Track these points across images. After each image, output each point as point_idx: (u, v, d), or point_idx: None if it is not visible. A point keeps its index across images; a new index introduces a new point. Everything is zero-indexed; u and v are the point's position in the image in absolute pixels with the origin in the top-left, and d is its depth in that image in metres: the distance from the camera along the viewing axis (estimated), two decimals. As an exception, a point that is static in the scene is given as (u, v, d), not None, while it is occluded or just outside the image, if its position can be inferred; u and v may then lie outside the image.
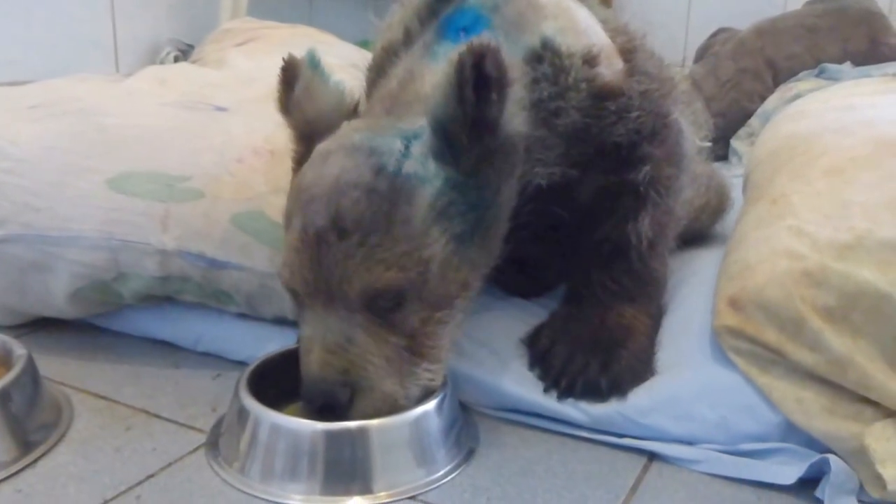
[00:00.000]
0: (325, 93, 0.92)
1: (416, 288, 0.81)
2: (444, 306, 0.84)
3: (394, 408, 0.85)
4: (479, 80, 0.79)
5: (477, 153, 0.83)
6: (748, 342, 0.91)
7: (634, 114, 0.98)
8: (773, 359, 0.90)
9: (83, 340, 1.18)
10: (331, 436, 0.86)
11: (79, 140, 1.14)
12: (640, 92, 0.99)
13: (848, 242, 0.89)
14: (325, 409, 0.83)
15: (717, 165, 1.63)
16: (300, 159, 0.92)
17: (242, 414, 0.90)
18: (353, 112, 0.96)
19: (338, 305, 0.81)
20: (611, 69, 0.98)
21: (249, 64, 1.21)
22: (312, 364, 0.82)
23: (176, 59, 1.73)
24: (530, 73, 0.90)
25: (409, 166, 0.81)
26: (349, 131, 0.87)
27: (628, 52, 1.01)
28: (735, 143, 2.10)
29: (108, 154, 1.12)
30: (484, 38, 0.79)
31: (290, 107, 0.93)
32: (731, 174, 1.68)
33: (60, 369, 1.09)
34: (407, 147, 0.82)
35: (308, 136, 0.91)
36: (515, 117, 0.85)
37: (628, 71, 1.00)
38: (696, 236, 1.30)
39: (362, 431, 0.86)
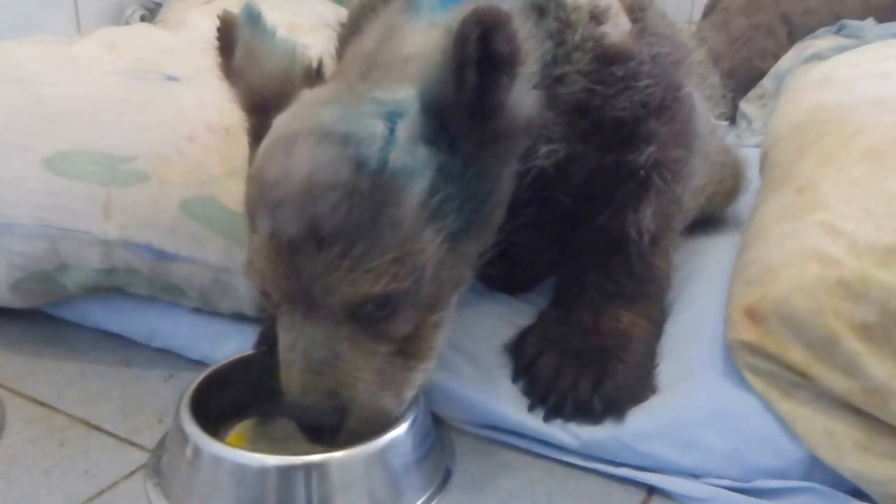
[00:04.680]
0: (270, 54, 0.73)
1: (409, 296, 0.66)
2: (439, 308, 0.69)
3: (388, 422, 0.71)
4: (485, 58, 0.61)
5: (477, 139, 0.65)
6: (768, 361, 0.73)
7: (643, 82, 0.78)
8: (797, 382, 0.72)
9: (31, 332, 1.02)
10: (283, 472, 0.70)
11: (14, 114, 0.97)
12: (650, 56, 0.79)
13: (893, 245, 0.70)
14: (313, 432, 0.69)
15: (725, 129, 1.41)
16: (255, 132, 0.73)
17: (182, 437, 0.73)
18: (315, 76, 0.76)
19: (320, 315, 0.66)
20: (617, 29, 0.78)
21: (210, 26, 1.01)
22: (296, 385, 0.67)
23: (143, 19, 1.53)
24: (532, 31, 0.71)
25: (396, 158, 0.63)
26: (315, 105, 0.67)
27: (637, 10, 0.81)
28: (745, 105, 1.87)
29: (45, 130, 0.95)
30: (493, 3, 0.60)
31: (231, 74, 0.74)
32: (742, 142, 1.46)
33: (2, 366, 0.94)
34: (391, 130, 0.63)
35: (259, 106, 0.73)
36: (525, 97, 0.67)
37: (637, 32, 0.79)
38: (708, 220, 1.10)
39: (320, 467, 0.70)
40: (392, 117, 0.64)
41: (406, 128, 0.64)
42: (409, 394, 0.71)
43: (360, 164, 0.62)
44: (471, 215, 0.67)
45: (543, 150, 0.74)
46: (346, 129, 0.63)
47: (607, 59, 0.77)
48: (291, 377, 0.67)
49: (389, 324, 0.66)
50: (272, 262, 0.65)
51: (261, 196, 0.65)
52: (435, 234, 0.65)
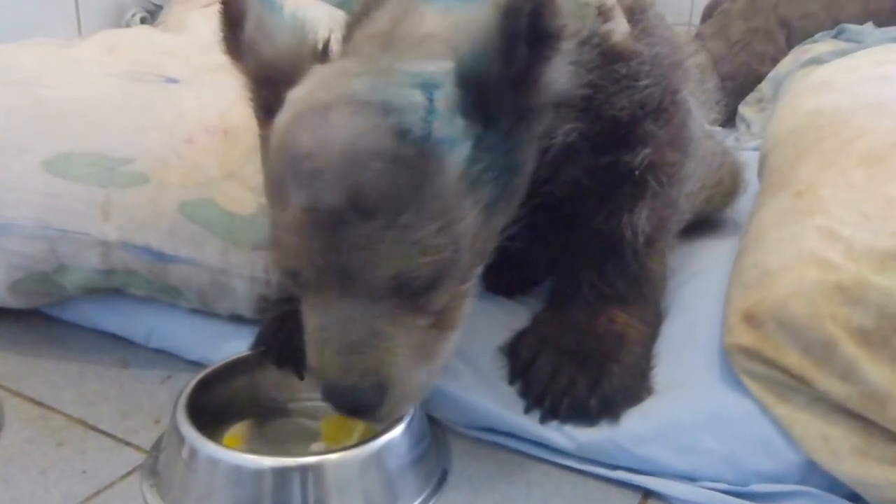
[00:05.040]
0: (281, 28, 0.70)
1: (450, 266, 0.64)
2: (469, 278, 0.68)
3: (424, 395, 0.71)
4: (533, 34, 0.61)
5: (515, 113, 0.65)
6: (765, 365, 0.72)
7: (644, 82, 0.77)
8: (795, 386, 0.71)
9: (30, 331, 1.01)
10: (279, 474, 0.69)
11: (14, 115, 0.96)
12: (650, 56, 0.78)
13: (891, 250, 0.69)
14: (354, 411, 0.67)
15: (722, 133, 1.39)
16: (267, 106, 0.69)
17: (178, 438, 0.73)
18: (323, 54, 0.73)
19: (358, 293, 0.63)
20: (618, 29, 0.77)
21: (210, 28, 1.00)
22: (333, 367, 0.64)
23: (143, 21, 1.52)
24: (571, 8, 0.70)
25: (439, 127, 0.61)
26: (341, 76, 0.64)
27: (638, 12, 0.80)
28: (743, 108, 1.86)
29: (45, 132, 0.94)
30: None
31: (240, 50, 0.70)
32: (741, 145, 1.45)
33: (0, 366, 0.93)
34: (430, 100, 0.61)
35: (270, 79, 0.69)
36: (563, 73, 0.66)
37: (637, 33, 0.79)
38: (706, 222, 1.09)
39: (316, 468, 0.69)
40: (428, 88, 0.62)
41: (443, 98, 0.62)
42: (442, 364, 0.69)
43: (403, 132, 0.60)
44: (504, 187, 0.66)
45: (563, 128, 0.73)
46: (384, 99, 0.61)
47: (611, 56, 0.76)
48: (326, 359, 0.64)
49: (431, 295, 0.65)
50: (307, 236, 0.62)
51: (292, 168, 0.62)
52: (473, 204, 0.63)
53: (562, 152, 0.75)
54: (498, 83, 0.62)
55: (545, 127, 0.71)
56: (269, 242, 0.65)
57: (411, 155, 0.60)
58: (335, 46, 0.76)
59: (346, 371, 0.63)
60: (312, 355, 0.66)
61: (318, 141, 0.60)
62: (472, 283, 0.69)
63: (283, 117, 0.65)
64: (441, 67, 0.63)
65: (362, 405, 0.65)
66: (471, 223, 0.64)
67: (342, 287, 0.62)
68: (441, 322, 0.67)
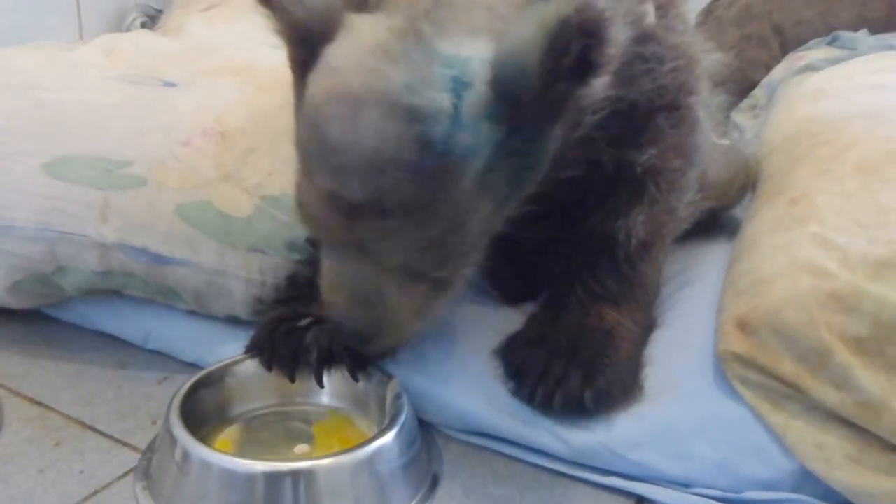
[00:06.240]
0: None
1: (456, 251, 0.68)
2: (473, 258, 0.71)
3: (413, 339, 0.77)
4: (579, 66, 0.58)
5: (544, 121, 0.64)
6: (760, 372, 0.71)
7: (668, 65, 0.76)
8: (789, 394, 0.69)
9: (29, 332, 0.99)
10: (270, 478, 0.67)
11: (15, 118, 0.95)
12: (675, 43, 0.78)
13: (885, 259, 0.68)
14: (350, 342, 0.75)
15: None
16: (303, 63, 0.67)
17: (171, 441, 0.71)
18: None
19: (371, 261, 0.67)
20: (649, 16, 0.76)
21: (208, 32, 0.99)
22: (342, 308, 0.71)
23: (143, 25, 1.50)
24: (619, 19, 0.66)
25: (459, 140, 0.61)
26: (380, 57, 0.62)
27: (665, 6, 0.78)
28: (737, 115, 1.83)
29: (45, 135, 0.93)
30: (595, 4, 0.56)
31: (271, 5, 0.67)
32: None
33: (0, 366, 0.92)
34: (456, 106, 0.60)
35: (304, 36, 0.66)
36: (600, 87, 0.66)
37: (663, 23, 0.77)
38: (704, 226, 1.06)
39: (308, 473, 0.68)
40: (458, 88, 0.60)
41: (471, 102, 0.60)
42: (436, 315, 0.74)
43: (425, 144, 0.60)
44: (520, 184, 0.68)
45: (589, 118, 0.71)
46: (412, 103, 0.60)
47: (641, 38, 0.74)
48: (337, 300, 0.70)
49: (436, 273, 0.69)
50: (328, 215, 0.66)
51: (322, 155, 0.64)
52: (485, 203, 0.65)
53: (577, 139, 0.73)
54: (532, 99, 0.61)
55: (572, 121, 0.69)
56: (295, 201, 0.70)
57: (431, 167, 0.61)
58: None
59: (352, 315, 0.70)
60: (326, 291, 0.72)
61: (347, 140, 0.62)
62: (477, 255, 0.71)
63: (317, 89, 0.65)
64: (479, 52, 0.61)
65: (358, 341, 0.73)
66: (481, 216, 0.66)
67: (357, 255, 0.67)
68: (440, 286, 0.71)
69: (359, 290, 0.69)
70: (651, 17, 0.75)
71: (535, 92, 0.60)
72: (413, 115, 0.60)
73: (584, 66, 0.59)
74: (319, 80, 0.65)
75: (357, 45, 0.64)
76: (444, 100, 0.60)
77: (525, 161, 0.66)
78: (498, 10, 0.63)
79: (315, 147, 0.64)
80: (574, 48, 0.57)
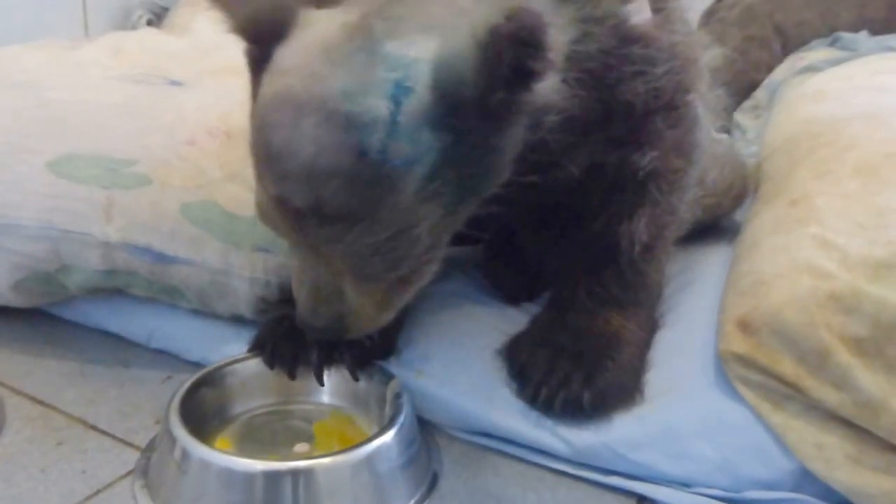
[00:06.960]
0: None
1: (408, 255, 0.66)
2: (430, 257, 0.69)
3: (381, 326, 0.76)
4: (515, 73, 0.57)
5: (488, 127, 0.62)
6: (760, 373, 0.70)
7: (660, 69, 0.74)
8: (789, 394, 0.69)
9: (32, 330, 0.99)
10: (270, 477, 0.67)
11: (19, 117, 0.94)
12: (669, 44, 0.75)
13: (885, 260, 0.68)
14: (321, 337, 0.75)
15: (726, 140, 1.35)
16: (257, 60, 0.66)
17: (171, 440, 0.71)
18: None
19: (326, 262, 0.68)
20: (640, 15, 0.74)
21: (214, 31, 0.97)
22: (306, 308, 0.72)
23: (149, 23, 1.50)
24: (560, 20, 0.64)
25: (397, 149, 0.59)
26: (323, 59, 0.61)
27: (662, 5, 0.76)
28: (739, 116, 1.83)
29: (49, 134, 0.92)
30: (529, 9, 0.55)
31: (222, 3, 0.66)
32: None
33: (2, 365, 0.92)
34: (394, 113, 0.59)
35: (257, 34, 0.66)
36: (548, 90, 0.63)
37: (658, 22, 0.75)
38: (704, 229, 1.06)
39: (307, 472, 0.68)
40: (399, 94, 0.59)
41: (411, 109, 0.59)
42: (403, 304, 0.74)
43: (361, 153, 0.59)
44: (470, 190, 0.65)
45: (553, 116, 0.68)
46: (350, 110, 0.59)
47: (628, 38, 0.72)
48: (301, 299, 0.71)
49: (390, 275, 0.68)
50: (280, 218, 0.66)
51: (267, 160, 0.64)
52: (432, 209, 0.64)
53: (571, 143, 0.72)
54: (473, 105, 0.59)
55: (528, 124, 0.66)
56: (256, 204, 0.69)
57: (367, 175, 0.60)
58: None
59: (315, 312, 0.71)
60: (294, 287, 0.72)
61: (288, 147, 0.61)
62: (437, 252, 0.69)
63: (264, 91, 0.64)
64: (428, 52, 0.59)
65: (327, 335, 0.73)
66: (429, 223, 0.64)
67: (313, 255, 0.67)
68: (402, 282, 0.70)
69: (319, 288, 0.69)
70: (638, 17, 0.73)
71: (475, 99, 0.59)
72: (350, 123, 0.59)
73: (522, 74, 0.57)
74: (266, 82, 0.64)
75: (305, 46, 0.63)
76: (381, 107, 0.59)
77: (474, 169, 0.63)
78: (458, 2, 0.61)
79: (262, 152, 0.64)
80: (507, 57, 0.56)
